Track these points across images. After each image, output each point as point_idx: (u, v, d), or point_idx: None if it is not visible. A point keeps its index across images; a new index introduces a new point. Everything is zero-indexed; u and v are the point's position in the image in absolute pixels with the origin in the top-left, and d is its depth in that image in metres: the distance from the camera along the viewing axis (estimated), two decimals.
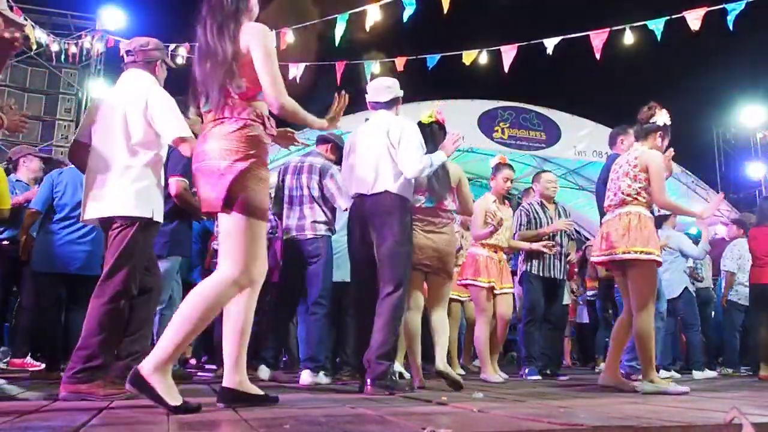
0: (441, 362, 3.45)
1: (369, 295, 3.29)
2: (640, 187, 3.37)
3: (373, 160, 3.29)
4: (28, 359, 4.67)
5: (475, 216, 4.48)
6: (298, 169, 4.12)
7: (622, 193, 3.43)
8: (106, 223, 2.77)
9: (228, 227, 2.20)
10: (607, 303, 6.41)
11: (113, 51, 10.14)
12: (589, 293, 7.55)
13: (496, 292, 4.57)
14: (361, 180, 3.33)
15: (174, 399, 1.99)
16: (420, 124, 3.69)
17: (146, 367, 2.01)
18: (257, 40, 2.22)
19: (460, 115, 10.66)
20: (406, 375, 3.76)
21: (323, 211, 4.03)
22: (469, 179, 13.11)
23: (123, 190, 2.73)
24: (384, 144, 3.31)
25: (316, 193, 4.02)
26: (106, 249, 2.77)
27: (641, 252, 3.25)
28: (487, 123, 11.00)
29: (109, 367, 2.63)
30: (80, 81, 15.58)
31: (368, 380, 3.01)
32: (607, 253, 3.38)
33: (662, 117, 3.52)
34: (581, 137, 11.30)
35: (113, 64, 12.64)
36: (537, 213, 5.03)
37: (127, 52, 3.02)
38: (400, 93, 3.52)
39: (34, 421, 1.79)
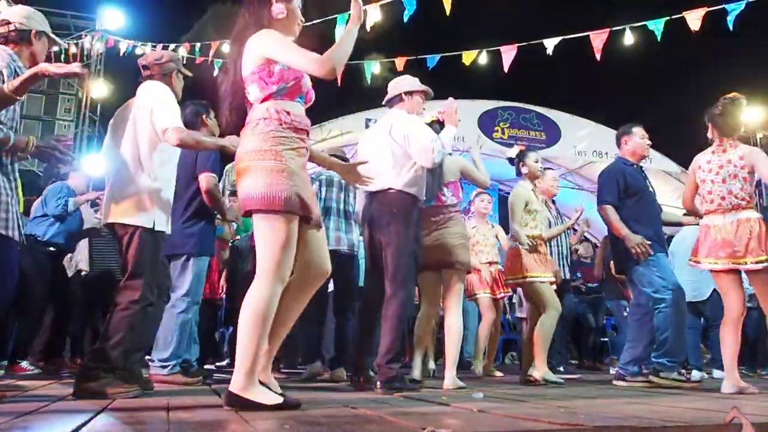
0: (450, 379, 3.36)
1: (373, 296, 3.31)
2: (750, 190, 3.28)
3: (376, 159, 3.26)
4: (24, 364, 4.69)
5: (513, 205, 4.07)
6: (328, 182, 4.33)
7: (735, 197, 3.31)
8: (113, 229, 2.80)
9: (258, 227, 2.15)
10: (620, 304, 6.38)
11: (113, 51, 10.14)
12: None
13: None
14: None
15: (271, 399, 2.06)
16: None
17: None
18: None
19: (460, 115, 10.59)
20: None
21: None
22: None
23: (126, 197, 2.75)
24: (386, 142, 3.32)
25: (341, 206, 4.32)
26: (120, 255, 2.85)
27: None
28: (487, 123, 10.98)
29: (119, 368, 2.67)
30: (80, 81, 15.54)
31: (379, 383, 3.05)
32: (736, 261, 3.23)
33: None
34: (581, 137, 11.28)
35: (113, 64, 12.63)
36: None
37: (143, 66, 3.04)
38: (401, 89, 3.49)
39: (34, 421, 1.79)
